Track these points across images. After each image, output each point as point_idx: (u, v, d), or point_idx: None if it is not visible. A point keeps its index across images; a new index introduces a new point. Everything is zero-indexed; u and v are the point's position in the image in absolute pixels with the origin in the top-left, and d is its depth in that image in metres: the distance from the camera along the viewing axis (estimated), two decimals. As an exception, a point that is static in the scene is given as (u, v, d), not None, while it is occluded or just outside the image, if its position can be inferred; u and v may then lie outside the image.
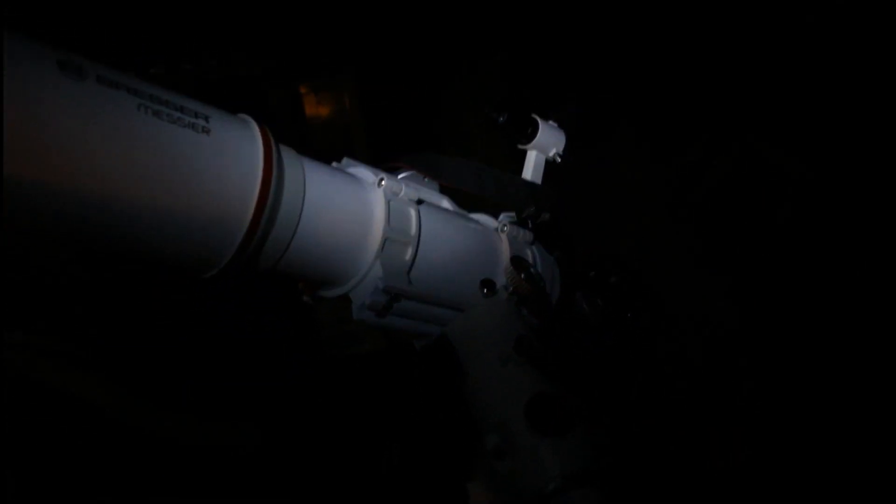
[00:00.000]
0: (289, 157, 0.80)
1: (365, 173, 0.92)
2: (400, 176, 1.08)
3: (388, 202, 0.87)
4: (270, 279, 0.87)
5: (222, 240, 0.73)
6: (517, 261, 0.96)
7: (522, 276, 0.94)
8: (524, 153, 1.22)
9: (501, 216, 1.15)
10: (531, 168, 1.18)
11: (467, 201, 1.15)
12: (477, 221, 1.07)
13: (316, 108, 3.00)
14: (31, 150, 0.58)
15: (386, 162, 1.07)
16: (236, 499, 1.95)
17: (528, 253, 1.07)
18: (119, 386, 1.98)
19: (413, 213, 0.91)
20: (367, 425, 1.75)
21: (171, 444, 1.99)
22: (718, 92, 2.69)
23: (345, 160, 0.97)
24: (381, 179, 0.89)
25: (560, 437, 0.84)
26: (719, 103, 2.70)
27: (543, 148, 1.18)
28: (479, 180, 1.11)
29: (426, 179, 1.09)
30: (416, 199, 0.92)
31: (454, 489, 0.97)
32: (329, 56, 2.91)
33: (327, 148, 2.97)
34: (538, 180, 1.19)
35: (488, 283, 0.94)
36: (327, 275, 0.86)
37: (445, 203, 1.11)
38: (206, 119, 0.71)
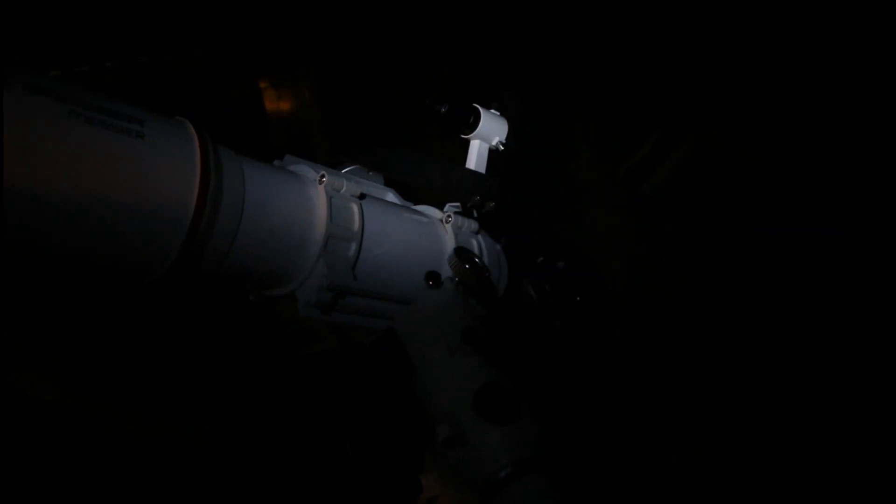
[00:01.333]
0: (227, 157, 0.79)
1: (306, 170, 0.92)
2: (344, 170, 1.08)
3: (329, 199, 0.87)
4: (215, 282, 0.87)
5: (163, 245, 0.72)
6: (461, 251, 0.97)
7: (467, 266, 0.95)
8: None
9: (447, 206, 1.16)
10: (475, 157, 1.19)
11: (412, 193, 1.16)
12: (422, 213, 1.07)
13: (276, 103, 2.98)
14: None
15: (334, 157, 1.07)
16: (196, 499, 1.94)
17: (474, 243, 1.08)
18: (76, 387, 1.96)
19: (355, 208, 0.91)
20: (325, 423, 1.75)
21: (129, 445, 1.98)
22: (674, 85, 2.72)
23: (286, 157, 0.97)
24: (322, 176, 0.89)
25: (509, 425, 0.86)
26: (675, 96, 2.73)
27: (486, 137, 1.19)
28: (423, 172, 1.11)
29: (370, 173, 1.10)
30: (358, 194, 0.92)
31: (407, 481, 0.99)
32: (289, 51, 2.88)
33: (287, 142, 2.95)
34: (482, 169, 1.19)
35: (433, 276, 0.95)
36: (271, 274, 0.86)
37: (390, 196, 1.11)
38: (141, 123, 0.70)
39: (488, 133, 1.19)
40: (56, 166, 0.63)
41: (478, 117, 1.17)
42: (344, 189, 0.90)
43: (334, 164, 1.09)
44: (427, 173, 1.12)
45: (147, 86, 2.54)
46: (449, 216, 1.06)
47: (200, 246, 0.74)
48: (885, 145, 2.46)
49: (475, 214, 1.16)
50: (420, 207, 1.11)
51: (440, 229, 1.05)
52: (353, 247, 0.89)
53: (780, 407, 2.37)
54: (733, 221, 2.63)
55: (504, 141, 1.20)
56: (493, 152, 1.21)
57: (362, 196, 0.94)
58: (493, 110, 1.21)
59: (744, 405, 2.43)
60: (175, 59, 2.60)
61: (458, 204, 1.15)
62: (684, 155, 2.71)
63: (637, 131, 2.77)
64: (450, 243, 1.03)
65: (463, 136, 1.20)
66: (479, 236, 1.11)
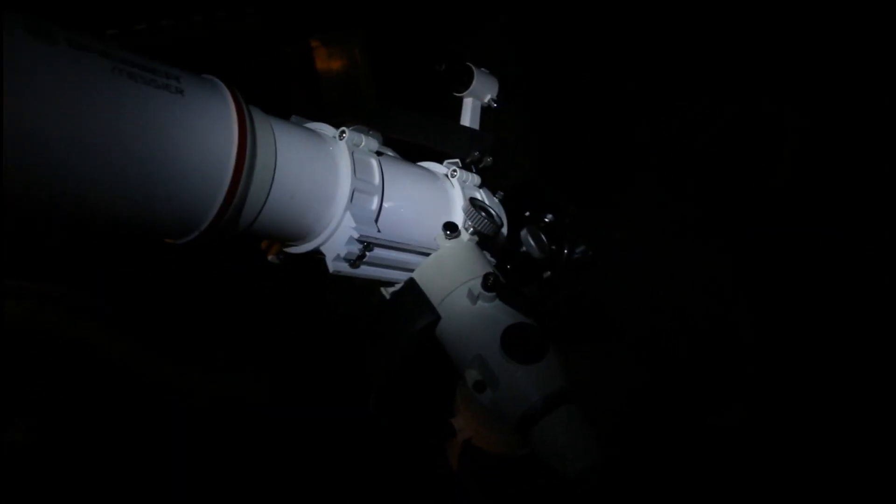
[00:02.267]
0: (257, 114, 0.80)
1: (323, 127, 0.92)
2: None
3: (351, 154, 0.89)
4: (239, 242, 0.88)
5: (203, 202, 0.72)
6: (475, 201, 1.00)
7: (483, 214, 0.98)
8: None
9: (445, 163, 1.18)
10: (469, 114, 1.22)
11: (410, 152, 1.18)
12: (427, 169, 1.10)
13: (327, 63, 2.96)
14: (7, 118, 0.56)
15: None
16: (243, 450, 1.98)
17: (479, 195, 1.11)
18: (127, 335, 2.00)
19: (375, 162, 0.93)
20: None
21: (177, 393, 2.02)
22: (717, 50, 2.75)
23: (293, 118, 0.97)
24: (343, 132, 0.90)
25: (536, 363, 0.90)
26: (718, 61, 2.75)
27: (479, 94, 1.22)
28: (421, 130, 1.14)
29: (370, 132, 1.11)
30: (375, 149, 0.94)
31: (440, 427, 1.01)
32: (340, 10, 2.86)
33: (338, 101, 2.91)
34: (476, 126, 1.22)
35: (450, 226, 0.98)
36: (300, 230, 0.87)
37: (390, 154, 1.13)
38: (178, 80, 0.71)
39: (481, 91, 1.22)
40: (101, 121, 0.62)
41: (471, 76, 1.20)
42: (364, 144, 0.92)
43: (335, 126, 1.10)
44: (426, 131, 1.14)
45: (200, 46, 2.50)
46: (454, 170, 1.08)
47: (239, 203, 0.75)
48: (885, 145, 2.54)
49: (474, 170, 1.19)
50: (423, 164, 1.13)
51: (446, 183, 1.08)
52: (376, 200, 0.91)
53: (819, 378, 2.42)
54: (781, 187, 2.68)
55: (496, 98, 1.23)
56: (485, 110, 1.24)
57: (379, 152, 0.95)
58: (483, 69, 1.23)
59: (781, 372, 2.48)
60: (228, 19, 2.55)
61: (457, 160, 1.17)
62: (729, 120, 2.73)
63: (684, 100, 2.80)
64: (457, 196, 1.06)
65: (456, 94, 1.22)
66: (482, 190, 1.14)
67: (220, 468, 1.98)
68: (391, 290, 1.01)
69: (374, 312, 1.00)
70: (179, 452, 1.94)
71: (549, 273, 1.33)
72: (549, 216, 1.33)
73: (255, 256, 0.95)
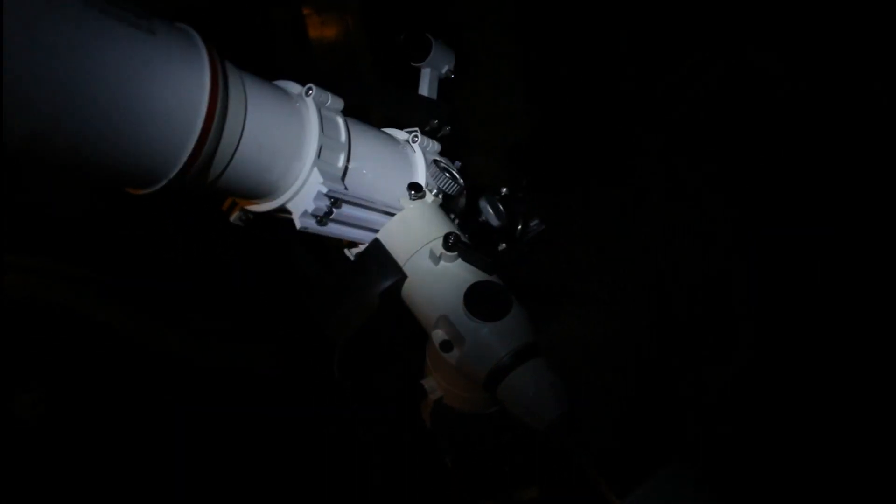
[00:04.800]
0: (229, 67, 0.79)
1: (293, 85, 0.92)
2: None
3: (318, 110, 0.89)
4: (202, 198, 0.86)
5: (173, 147, 0.71)
6: (440, 162, 1.01)
7: (446, 174, 0.99)
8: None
9: (405, 130, 1.19)
10: (426, 85, 1.22)
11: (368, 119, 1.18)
12: (388, 133, 1.10)
13: (320, 30, 2.87)
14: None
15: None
16: (253, 416, 1.96)
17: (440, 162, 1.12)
18: (137, 307, 1.98)
19: (341, 121, 0.93)
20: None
21: (188, 364, 2.00)
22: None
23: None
24: (309, 89, 0.90)
25: (500, 320, 0.91)
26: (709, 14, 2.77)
27: (437, 65, 1.23)
28: (380, 98, 1.14)
29: (330, 98, 1.11)
30: (341, 108, 0.94)
31: (410, 389, 1.02)
32: None
33: (331, 70, 2.82)
34: (434, 96, 1.23)
35: (415, 186, 0.98)
36: (267, 185, 0.86)
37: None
38: (149, 20, 0.69)
39: (438, 62, 1.23)
40: (73, 56, 0.61)
41: (429, 47, 1.20)
42: (329, 102, 0.92)
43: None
44: (383, 99, 1.14)
45: (189, 6, 2.41)
46: (415, 136, 1.09)
47: (210, 151, 0.74)
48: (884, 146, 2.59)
49: (433, 138, 1.20)
50: (386, 129, 1.13)
51: (407, 148, 1.08)
52: (343, 157, 0.91)
53: (821, 333, 2.43)
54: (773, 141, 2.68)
55: (453, 69, 1.24)
56: (442, 81, 1.25)
57: (343, 111, 0.95)
58: (440, 40, 1.24)
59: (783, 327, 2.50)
60: None
61: (416, 129, 1.18)
62: (720, 75, 2.74)
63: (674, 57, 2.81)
64: (419, 160, 1.06)
65: (414, 64, 1.23)
66: (442, 158, 1.15)
67: (219, 441, 1.99)
68: (355, 250, 1.01)
69: (337, 273, 1.00)
70: (181, 427, 1.93)
71: (503, 245, 1.35)
72: (504, 189, 1.35)
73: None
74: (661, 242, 2.66)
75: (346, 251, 1.03)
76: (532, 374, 0.88)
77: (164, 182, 0.74)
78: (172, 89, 0.69)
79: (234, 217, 0.95)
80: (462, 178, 1.20)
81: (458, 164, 1.22)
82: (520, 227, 1.37)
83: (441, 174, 0.99)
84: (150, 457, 1.90)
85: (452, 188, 0.99)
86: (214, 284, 2.13)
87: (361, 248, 1.00)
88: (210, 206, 0.95)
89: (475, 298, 0.92)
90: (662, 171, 2.79)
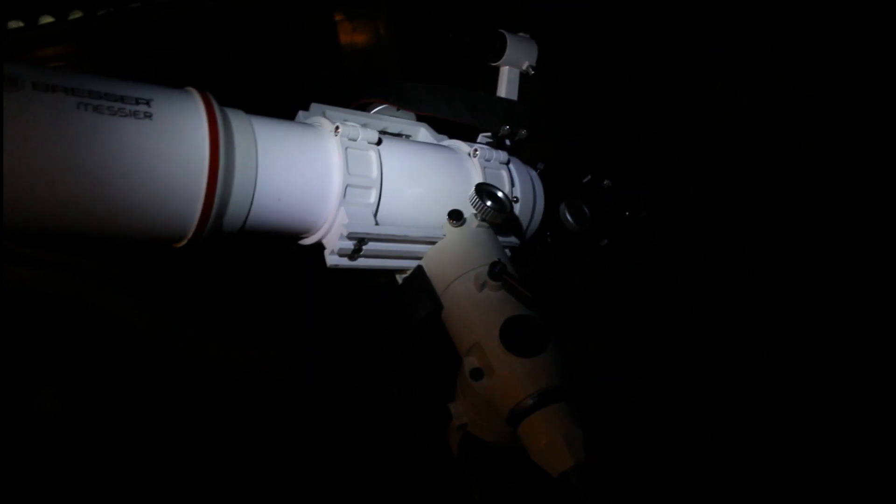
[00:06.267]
0: (238, 121, 0.83)
1: (323, 122, 0.94)
2: (374, 110, 1.11)
3: (345, 149, 0.90)
4: (245, 240, 0.93)
5: (182, 216, 0.77)
6: (481, 188, 0.98)
7: (488, 203, 0.96)
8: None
9: (479, 137, 1.16)
10: (505, 84, 1.18)
11: (448, 126, 1.17)
12: (448, 149, 1.08)
13: (350, 36, 2.96)
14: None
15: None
16: (265, 422, 2.11)
17: (503, 174, 1.09)
18: (153, 307, 2.14)
19: (373, 155, 0.93)
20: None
21: (200, 366, 2.17)
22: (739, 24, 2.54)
23: (312, 106, 0.99)
24: (337, 127, 0.91)
25: (533, 358, 0.89)
26: (740, 36, 2.55)
27: (515, 62, 1.17)
28: (451, 105, 1.12)
29: (399, 110, 1.11)
30: (375, 140, 0.94)
31: (438, 410, 1.04)
32: None
33: (361, 77, 2.94)
34: (514, 96, 1.18)
35: (455, 214, 0.97)
36: (295, 229, 0.90)
37: (423, 132, 1.13)
38: (148, 103, 0.75)
39: (517, 58, 1.17)
40: (71, 157, 0.68)
41: (504, 43, 1.15)
42: (360, 137, 0.92)
43: (363, 106, 1.11)
44: (454, 105, 1.12)
45: (222, 17, 2.58)
46: (476, 149, 1.07)
47: (219, 214, 0.79)
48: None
49: (508, 143, 1.17)
50: (449, 142, 1.11)
51: (467, 164, 1.06)
52: (374, 193, 0.92)
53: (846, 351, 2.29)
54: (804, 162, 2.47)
55: (534, 65, 1.18)
56: (524, 77, 1.20)
57: (380, 141, 0.95)
58: (521, 34, 1.18)
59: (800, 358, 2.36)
60: None
61: (490, 133, 1.15)
62: (752, 95, 2.54)
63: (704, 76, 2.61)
64: (476, 178, 1.04)
65: (492, 64, 1.19)
66: (511, 166, 1.11)
67: (231, 434, 2.12)
68: (403, 276, 1.03)
69: (383, 298, 1.03)
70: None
71: (605, 241, 1.29)
72: (607, 181, 1.29)
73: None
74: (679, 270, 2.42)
75: (396, 275, 1.05)
76: (551, 420, 0.86)
77: (185, 241, 0.81)
78: (169, 166, 0.75)
79: (292, 246, 1.01)
80: (540, 183, 1.16)
81: (540, 166, 1.18)
82: (626, 215, 1.30)
83: (479, 202, 0.96)
84: (163, 452, 2.04)
85: (491, 216, 0.97)
86: (235, 288, 2.21)
87: (408, 272, 1.01)
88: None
89: (511, 332, 0.90)
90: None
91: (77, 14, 1.91)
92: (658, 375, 2.25)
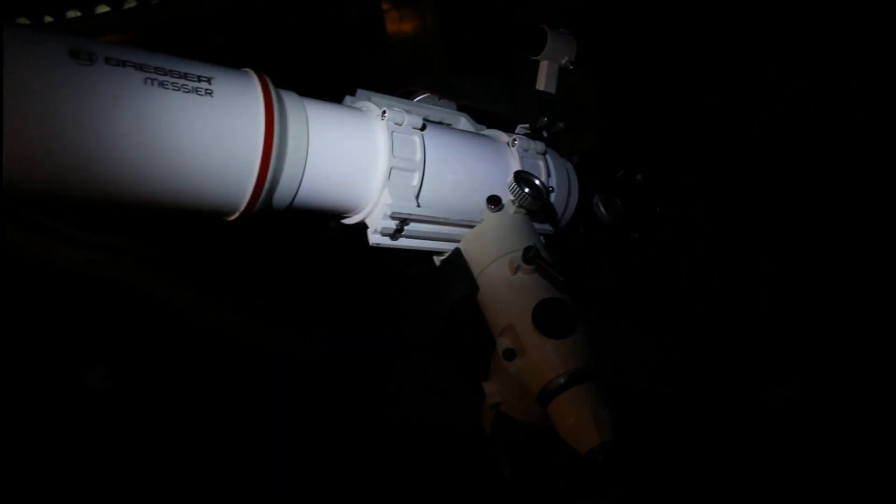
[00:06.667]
0: (291, 103, 0.87)
1: (370, 107, 0.98)
2: (417, 99, 1.14)
3: (391, 133, 0.94)
4: (292, 216, 0.97)
5: (236, 190, 0.82)
6: (520, 175, 1.02)
7: (526, 190, 1.00)
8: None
9: (518, 128, 1.20)
10: (544, 78, 1.21)
11: (487, 117, 1.20)
12: (488, 137, 1.12)
13: (398, 25, 2.96)
14: (57, 136, 0.68)
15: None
16: (296, 400, 2.17)
17: (540, 164, 1.12)
18: (187, 284, 2.22)
19: (417, 140, 0.97)
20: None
21: (235, 343, 2.23)
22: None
23: (358, 92, 1.03)
24: (384, 112, 0.95)
25: (564, 339, 0.92)
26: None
27: (555, 57, 1.21)
28: (491, 96, 1.15)
29: (441, 100, 1.15)
30: (420, 125, 0.98)
31: (472, 389, 1.08)
32: None
33: (407, 65, 2.96)
34: (552, 90, 1.21)
35: (494, 199, 1.01)
36: (341, 207, 0.94)
37: (462, 121, 1.16)
38: (209, 81, 0.79)
39: (556, 53, 1.20)
40: (134, 129, 0.73)
41: (544, 38, 1.19)
42: (405, 122, 0.96)
43: (407, 94, 1.15)
44: (494, 97, 1.16)
45: (268, 5, 2.61)
46: (515, 139, 1.10)
47: (270, 190, 0.84)
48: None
49: (545, 135, 1.20)
50: (488, 132, 1.15)
51: (506, 152, 1.10)
52: (417, 176, 0.96)
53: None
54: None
55: (573, 60, 1.22)
56: (563, 71, 1.23)
57: (424, 127, 0.99)
58: (562, 29, 1.21)
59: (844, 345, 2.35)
60: None
61: (528, 125, 1.18)
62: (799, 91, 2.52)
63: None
64: (514, 166, 1.08)
65: (532, 58, 1.22)
66: (548, 157, 1.15)
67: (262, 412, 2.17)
68: (440, 258, 1.07)
69: (420, 278, 1.07)
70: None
71: (636, 235, 1.31)
72: (640, 176, 1.31)
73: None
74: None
75: (433, 257, 1.09)
76: (580, 399, 0.89)
77: (236, 215, 0.86)
78: (227, 143, 0.79)
79: (332, 224, 1.05)
80: (575, 176, 1.19)
81: (574, 159, 1.21)
82: (658, 210, 1.33)
83: (518, 188, 1.00)
84: (205, 430, 2.09)
85: (528, 202, 1.00)
86: (269, 268, 2.25)
87: (446, 255, 1.05)
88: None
89: (543, 314, 0.94)
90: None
91: (132, 3, 1.98)
92: (679, 370, 2.26)
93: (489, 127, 1.18)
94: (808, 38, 2.48)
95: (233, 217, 0.86)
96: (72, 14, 1.98)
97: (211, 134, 0.78)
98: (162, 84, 0.75)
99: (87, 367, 2.04)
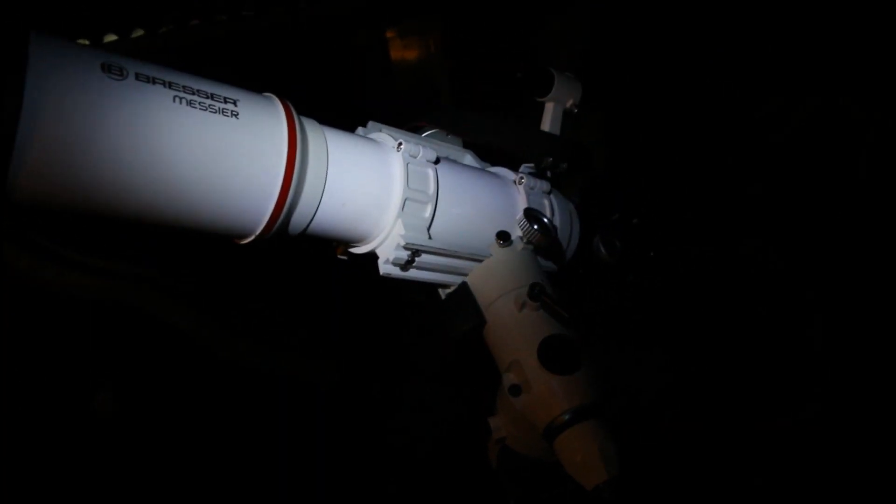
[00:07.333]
0: (312, 130, 0.88)
1: (385, 138, 0.99)
2: (424, 134, 1.16)
3: (406, 165, 0.95)
4: (303, 242, 0.97)
5: (255, 212, 0.82)
6: (529, 212, 1.03)
7: (535, 227, 1.01)
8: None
9: (522, 167, 1.22)
10: (549, 120, 1.24)
11: (490, 154, 1.22)
12: (495, 175, 1.14)
13: (402, 52, 2.97)
14: (83, 147, 0.67)
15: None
16: (309, 429, 2.14)
17: (545, 203, 1.14)
18: (204, 313, 2.18)
19: (431, 173, 0.98)
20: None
21: (250, 370, 2.19)
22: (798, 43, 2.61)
23: (370, 124, 1.04)
24: (400, 143, 0.96)
25: (569, 375, 0.93)
26: (797, 55, 2.61)
27: (560, 99, 1.23)
28: (498, 134, 1.17)
29: (448, 136, 1.17)
30: (433, 159, 0.99)
31: (477, 424, 1.07)
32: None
33: (412, 93, 2.97)
34: (556, 131, 1.24)
35: (503, 234, 1.02)
36: (353, 235, 0.94)
37: (468, 158, 1.18)
38: (235, 103, 0.80)
39: (562, 96, 1.23)
40: (165, 145, 0.73)
41: (551, 81, 1.21)
42: (420, 155, 0.97)
43: (415, 129, 1.16)
44: (501, 135, 1.17)
45: (276, 33, 2.59)
46: (522, 177, 1.12)
47: (288, 214, 0.84)
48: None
49: (548, 175, 1.22)
50: (494, 169, 1.17)
51: (513, 190, 1.11)
52: (429, 208, 0.97)
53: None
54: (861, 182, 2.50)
55: (578, 103, 1.24)
56: (567, 114, 1.25)
57: (437, 161, 1.00)
58: (567, 73, 1.24)
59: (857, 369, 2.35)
60: (306, 5, 2.62)
61: (532, 164, 1.20)
62: (809, 114, 2.57)
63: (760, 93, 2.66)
64: (521, 203, 1.09)
65: (538, 99, 1.25)
66: (552, 196, 1.16)
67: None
68: (447, 291, 1.07)
69: (428, 310, 1.07)
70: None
71: (631, 277, 1.33)
72: (636, 220, 1.34)
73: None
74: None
75: (439, 290, 1.09)
76: (587, 435, 0.89)
77: (252, 238, 0.85)
78: (250, 165, 0.79)
79: (339, 254, 1.05)
80: (578, 214, 1.21)
81: (575, 200, 1.23)
82: (651, 255, 1.35)
83: (528, 225, 1.01)
84: (212, 455, 2.07)
85: (538, 239, 1.01)
86: (289, 300, 2.26)
87: (452, 288, 1.05)
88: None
89: (548, 351, 0.94)
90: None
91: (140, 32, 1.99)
92: (689, 391, 2.25)
93: (492, 164, 1.20)
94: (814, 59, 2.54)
95: (247, 240, 0.86)
96: (108, 38, 1.98)
97: (236, 155, 0.78)
98: (190, 103, 0.75)
99: (95, 390, 2.00)
